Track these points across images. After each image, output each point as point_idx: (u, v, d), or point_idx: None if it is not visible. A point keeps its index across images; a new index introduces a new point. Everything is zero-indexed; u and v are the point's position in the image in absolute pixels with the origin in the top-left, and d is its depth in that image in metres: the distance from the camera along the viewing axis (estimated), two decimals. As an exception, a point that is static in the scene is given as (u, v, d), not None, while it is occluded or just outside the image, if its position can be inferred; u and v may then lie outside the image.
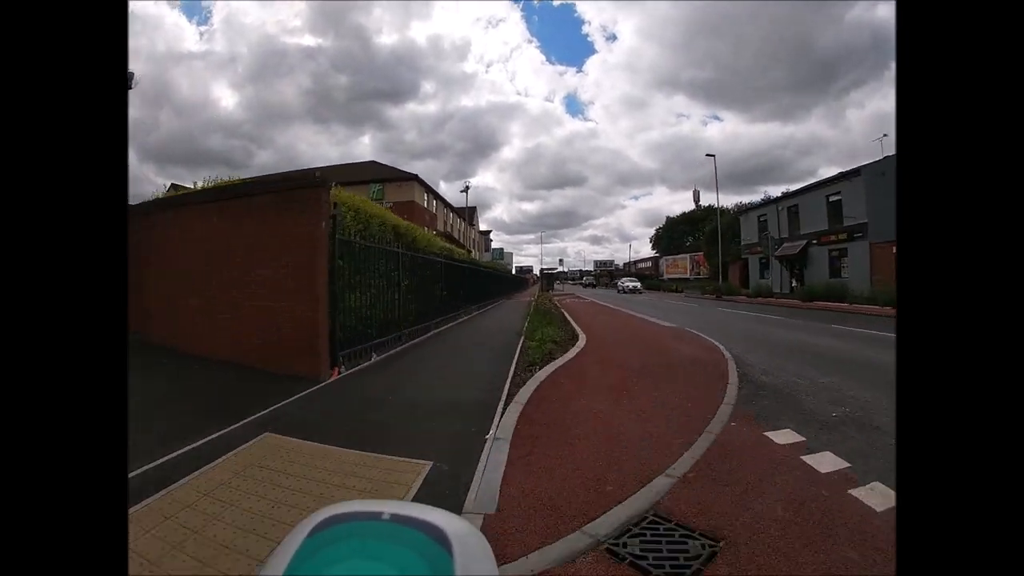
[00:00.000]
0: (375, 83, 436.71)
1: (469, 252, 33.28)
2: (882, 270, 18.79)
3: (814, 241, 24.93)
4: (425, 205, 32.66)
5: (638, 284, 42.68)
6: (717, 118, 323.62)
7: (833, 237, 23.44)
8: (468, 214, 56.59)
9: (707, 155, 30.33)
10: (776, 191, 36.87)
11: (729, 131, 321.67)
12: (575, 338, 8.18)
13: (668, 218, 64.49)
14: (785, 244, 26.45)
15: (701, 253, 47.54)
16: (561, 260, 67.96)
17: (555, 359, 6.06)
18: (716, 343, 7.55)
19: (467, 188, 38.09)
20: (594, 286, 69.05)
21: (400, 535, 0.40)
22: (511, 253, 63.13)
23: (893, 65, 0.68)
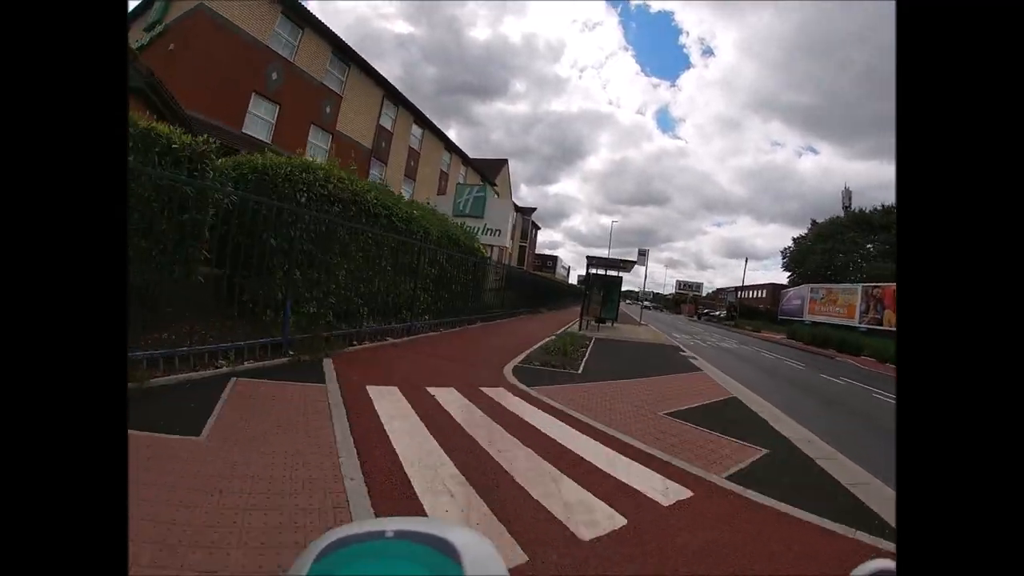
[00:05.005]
0: (465, 77, 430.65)
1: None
2: None
3: None
4: (285, 53, 14.08)
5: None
6: (813, 150, 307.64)
7: None
8: (490, 166, 43.91)
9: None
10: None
11: (824, 165, 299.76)
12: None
13: (814, 222, 39.65)
14: None
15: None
16: (644, 252, 27.13)
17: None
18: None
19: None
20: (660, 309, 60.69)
21: (407, 551, 0.40)
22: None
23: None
